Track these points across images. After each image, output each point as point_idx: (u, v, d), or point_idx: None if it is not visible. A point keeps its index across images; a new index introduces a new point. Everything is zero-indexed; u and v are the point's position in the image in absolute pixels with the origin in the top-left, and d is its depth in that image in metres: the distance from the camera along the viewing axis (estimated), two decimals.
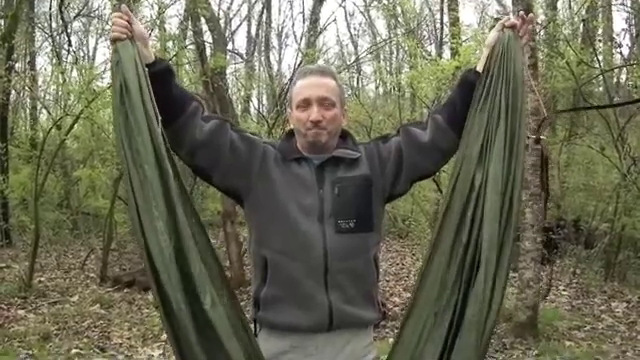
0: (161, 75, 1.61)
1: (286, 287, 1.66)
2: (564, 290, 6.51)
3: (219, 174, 1.69)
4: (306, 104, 1.68)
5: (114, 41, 1.57)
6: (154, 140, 1.51)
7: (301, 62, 9.01)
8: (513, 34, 1.70)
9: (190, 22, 7.98)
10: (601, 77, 7.43)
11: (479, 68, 1.73)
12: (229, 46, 12.92)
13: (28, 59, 11.89)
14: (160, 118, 1.53)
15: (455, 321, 1.57)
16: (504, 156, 1.61)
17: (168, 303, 1.48)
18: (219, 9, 12.73)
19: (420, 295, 1.65)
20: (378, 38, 15.86)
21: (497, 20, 1.79)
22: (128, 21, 1.57)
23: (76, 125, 7.92)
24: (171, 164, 1.54)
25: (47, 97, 11.91)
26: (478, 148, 1.64)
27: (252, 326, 1.77)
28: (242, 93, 12.47)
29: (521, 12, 1.80)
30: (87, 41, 16.00)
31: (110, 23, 1.61)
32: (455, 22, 9.56)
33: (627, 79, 9.22)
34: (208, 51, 7.88)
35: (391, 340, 4.70)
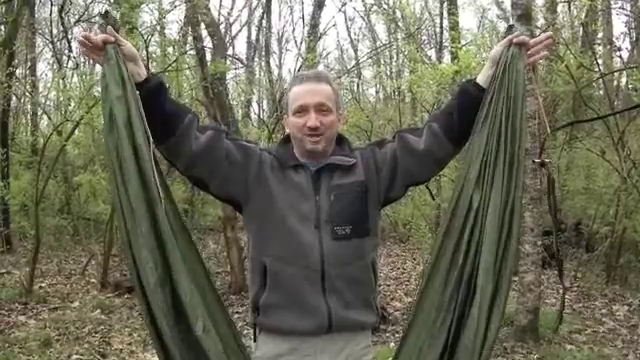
0: (155, 92, 1.61)
1: (285, 293, 1.67)
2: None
3: (216, 184, 1.70)
4: (303, 110, 1.69)
5: (105, 59, 1.55)
6: (140, 164, 1.51)
7: (301, 67, 9.04)
8: (519, 52, 1.65)
9: (190, 28, 7.99)
10: (601, 80, 7.42)
11: (479, 80, 1.72)
12: (229, 51, 12.96)
13: (29, 65, 11.93)
14: (152, 140, 1.53)
15: (450, 344, 1.58)
16: (503, 180, 1.59)
17: (157, 328, 1.48)
18: (219, 14, 12.81)
19: (419, 315, 1.66)
20: (378, 43, 15.95)
21: (510, 28, 1.71)
22: (116, 42, 1.56)
23: (77, 131, 7.94)
24: (162, 187, 1.53)
25: (48, 103, 11.96)
26: (476, 170, 1.63)
27: (252, 331, 1.79)
28: (242, 98, 12.51)
29: (548, 34, 1.71)
30: None
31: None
32: (455, 26, 9.55)
33: (627, 82, 9.24)
34: (208, 56, 7.89)
35: (392, 345, 4.69)
